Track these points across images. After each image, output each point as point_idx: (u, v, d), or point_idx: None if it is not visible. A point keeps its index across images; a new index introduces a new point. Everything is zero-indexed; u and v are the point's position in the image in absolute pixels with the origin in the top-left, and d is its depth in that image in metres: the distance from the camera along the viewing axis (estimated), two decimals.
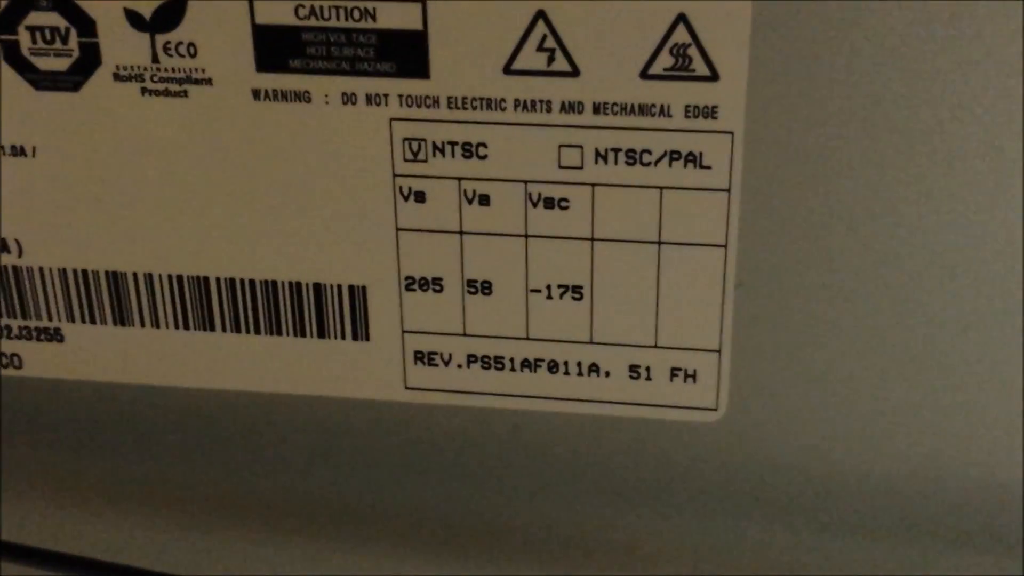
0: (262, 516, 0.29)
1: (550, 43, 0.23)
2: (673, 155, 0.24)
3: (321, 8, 0.23)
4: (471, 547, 0.28)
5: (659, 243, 0.24)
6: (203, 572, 0.29)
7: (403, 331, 0.26)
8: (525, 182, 0.24)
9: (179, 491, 0.29)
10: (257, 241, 0.26)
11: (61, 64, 0.24)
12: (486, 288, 0.26)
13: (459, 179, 0.25)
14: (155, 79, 0.24)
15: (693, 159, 0.24)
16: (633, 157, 0.24)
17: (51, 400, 0.29)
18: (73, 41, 0.24)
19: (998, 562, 0.27)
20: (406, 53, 0.23)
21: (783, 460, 0.26)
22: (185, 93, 0.24)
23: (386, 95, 0.24)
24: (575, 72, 0.23)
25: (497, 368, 0.26)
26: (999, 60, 0.22)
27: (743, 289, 0.25)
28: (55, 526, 0.29)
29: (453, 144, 0.24)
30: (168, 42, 0.24)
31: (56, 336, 0.28)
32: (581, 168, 0.24)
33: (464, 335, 0.26)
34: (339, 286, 0.26)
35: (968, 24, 0.22)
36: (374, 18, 0.23)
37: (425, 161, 0.24)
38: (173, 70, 0.24)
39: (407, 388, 0.27)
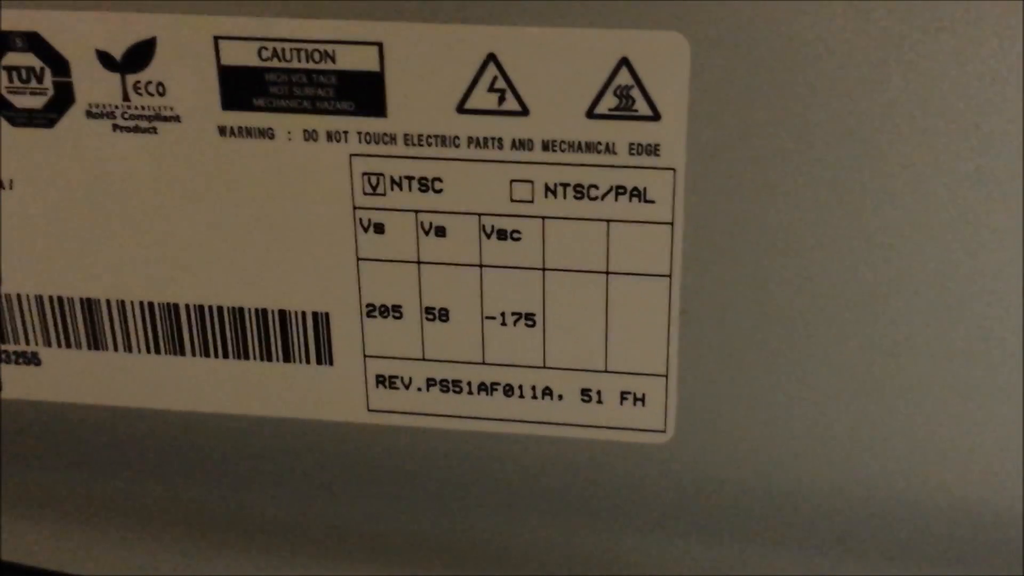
0: (231, 531, 0.30)
1: (500, 84, 0.24)
2: (619, 190, 0.25)
3: (283, 50, 0.24)
4: (424, 562, 0.29)
5: (607, 273, 0.26)
6: None
7: (365, 356, 0.27)
8: (479, 215, 0.25)
9: (149, 507, 0.30)
10: (225, 269, 0.27)
11: (36, 102, 0.26)
12: (443, 315, 0.27)
13: (416, 212, 0.26)
14: (126, 116, 0.25)
15: (638, 194, 0.25)
16: (581, 191, 0.25)
17: (30, 420, 0.30)
18: (48, 80, 0.25)
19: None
20: (364, 93, 0.25)
21: (729, 480, 0.27)
22: (154, 130, 0.25)
23: (346, 132, 0.25)
24: (525, 111, 0.24)
25: (455, 391, 0.27)
26: (924, 105, 0.23)
27: (688, 316, 0.26)
28: (34, 543, 0.30)
29: (410, 178, 0.25)
30: (138, 81, 0.25)
31: (33, 360, 0.29)
32: (532, 202, 0.25)
33: (423, 360, 0.27)
34: (303, 313, 0.27)
35: (895, 68, 0.23)
36: (333, 60, 0.24)
37: (384, 194, 0.26)
38: (143, 108, 0.25)
39: (369, 411, 0.28)
